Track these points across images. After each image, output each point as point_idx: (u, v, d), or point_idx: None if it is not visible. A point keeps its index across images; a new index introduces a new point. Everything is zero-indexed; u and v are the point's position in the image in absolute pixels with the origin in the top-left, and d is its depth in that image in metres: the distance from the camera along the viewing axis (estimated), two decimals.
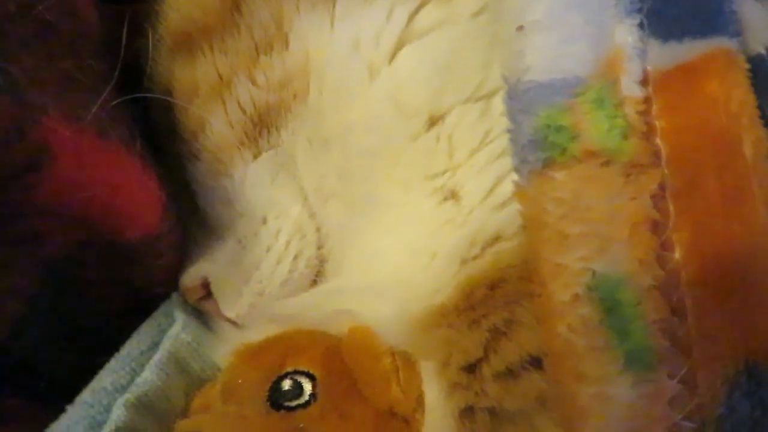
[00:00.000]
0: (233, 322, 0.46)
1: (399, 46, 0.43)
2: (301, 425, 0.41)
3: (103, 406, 0.42)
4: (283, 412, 0.41)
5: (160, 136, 0.47)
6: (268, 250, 0.45)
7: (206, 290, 0.46)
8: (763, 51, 0.40)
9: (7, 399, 0.44)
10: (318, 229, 0.45)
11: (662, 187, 0.35)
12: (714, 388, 0.32)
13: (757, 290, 0.34)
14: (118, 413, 0.41)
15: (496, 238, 0.40)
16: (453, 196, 0.41)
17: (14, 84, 0.38)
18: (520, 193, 0.36)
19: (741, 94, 0.37)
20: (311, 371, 0.42)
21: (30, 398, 0.44)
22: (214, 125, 0.45)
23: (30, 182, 0.38)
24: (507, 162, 0.39)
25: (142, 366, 0.43)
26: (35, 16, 0.40)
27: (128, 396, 0.42)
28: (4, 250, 0.40)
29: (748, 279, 0.34)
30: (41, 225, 0.39)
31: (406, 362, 0.41)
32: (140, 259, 0.43)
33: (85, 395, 0.42)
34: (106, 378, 0.43)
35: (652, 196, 0.35)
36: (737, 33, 0.39)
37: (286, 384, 0.41)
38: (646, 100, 0.37)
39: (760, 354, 0.33)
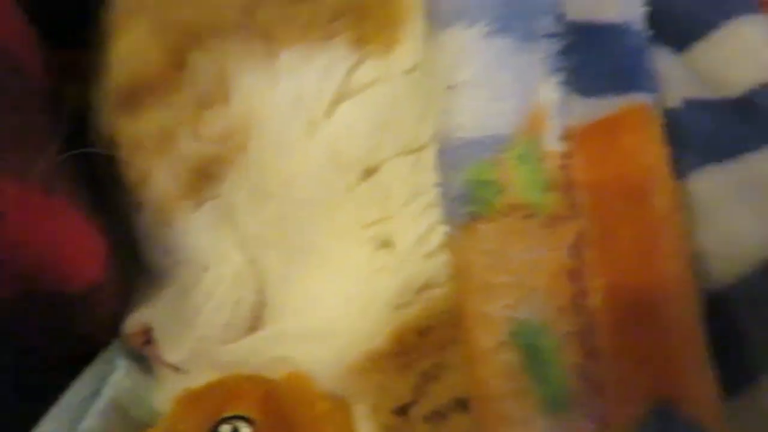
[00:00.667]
0: (175, 368, 0.46)
1: (337, 101, 0.44)
2: None
3: None
4: None
5: (104, 186, 0.47)
6: (209, 297, 0.46)
7: (148, 336, 0.46)
8: (679, 104, 0.42)
9: None
10: (258, 276, 0.46)
11: (580, 237, 0.37)
12: (625, 428, 0.34)
13: (666, 336, 0.36)
14: None
15: (427, 285, 0.42)
16: (387, 244, 0.43)
17: None
18: (449, 243, 0.38)
19: (655, 148, 0.39)
20: (250, 416, 0.42)
21: None
22: (157, 177, 0.46)
23: None
24: (438, 212, 0.41)
25: (84, 414, 0.43)
26: None
27: None
28: None
29: (658, 325, 0.36)
30: None
31: (341, 406, 0.42)
32: (83, 308, 0.44)
33: None
34: (46, 427, 0.43)
35: (571, 247, 0.36)
36: (654, 89, 0.41)
37: (225, 429, 0.41)
38: (568, 155, 0.38)
39: (668, 397, 0.35)
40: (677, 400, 0.35)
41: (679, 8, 0.49)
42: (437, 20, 0.41)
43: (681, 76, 0.45)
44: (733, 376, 0.37)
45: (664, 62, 0.44)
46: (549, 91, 0.39)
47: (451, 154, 0.39)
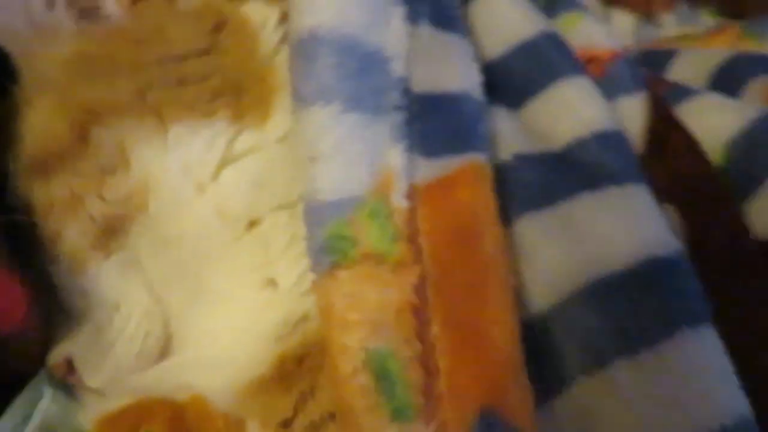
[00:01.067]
0: (96, 392, 0.49)
1: (221, 167, 0.48)
2: None
3: None
4: None
5: (23, 242, 0.49)
6: (121, 332, 0.49)
7: (70, 366, 0.48)
8: (510, 159, 0.48)
9: None
10: (164, 313, 0.49)
11: (422, 278, 0.41)
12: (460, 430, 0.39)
13: (492, 356, 0.41)
14: None
15: (304, 319, 0.46)
16: (271, 283, 0.48)
17: None
18: (315, 287, 0.42)
19: (485, 199, 0.44)
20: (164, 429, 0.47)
21: None
22: (69, 235, 0.49)
23: None
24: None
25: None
26: None
27: None
28: None
29: (485, 347, 0.41)
30: None
31: (236, 423, 0.46)
32: (11, 347, 0.45)
33: None
34: None
35: (415, 287, 0.41)
36: (486, 148, 0.46)
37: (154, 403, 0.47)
38: (412, 210, 0.43)
39: (492, 405, 0.40)
40: (500, 408, 0.40)
41: (516, 70, 0.54)
42: (300, 100, 0.44)
43: (514, 133, 0.49)
44: (549, 384, 0.42)
45: (501, 120, 0.50)
46: (396, 157, 0.44)
47: (314, 214, 0.42)
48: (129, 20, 0.49)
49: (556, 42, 0.54)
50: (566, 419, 0.43)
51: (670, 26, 0.86)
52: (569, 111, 0.51)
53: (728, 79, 0.63)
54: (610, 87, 0.54)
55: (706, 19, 0.86)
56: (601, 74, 0.56)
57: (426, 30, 0.49)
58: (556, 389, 0.43)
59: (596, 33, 0.59)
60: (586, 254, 0.45)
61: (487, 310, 0.42)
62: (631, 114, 0.54)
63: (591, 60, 0.56)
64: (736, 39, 0.79)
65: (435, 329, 0.41)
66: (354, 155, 0.44)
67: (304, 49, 0.45)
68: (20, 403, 0.47)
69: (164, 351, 0.49)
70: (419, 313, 0.41)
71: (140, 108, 0.48)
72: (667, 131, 0.54)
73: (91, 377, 0.48)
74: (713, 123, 0.55)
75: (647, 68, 0.66)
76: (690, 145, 0.53)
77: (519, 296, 0.44)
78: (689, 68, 0.66)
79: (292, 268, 0.46)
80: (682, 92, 0.58)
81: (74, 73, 0.49)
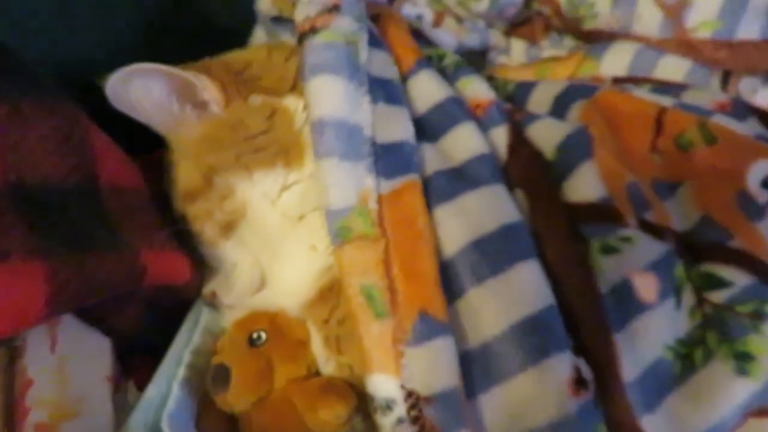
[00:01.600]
0: (229, 307, 0.56)
1: (282, 191, 0.52)
2: (263, 348, 0.51)
3: (176, 360, 0.51)
4: (254, 348, 0.51)
5: (185, 236, 0.55)
6: (239, 276, 0.55)
7: (214, 294, 0.56)
8: (431, 173, 0.51)
9: (134, 359, 0.52)
10: (259, 267, 0.56)
11: (387, 245, 0.46)
12: (409, 324, 0.44)
13: (423, 281, 0.47)
14: (186, 360, 0.50)
15: (330, 268, 0.51)
16: (313, 248, 0.52)
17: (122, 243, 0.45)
18: (334, 253, 0.47)
19: (418, 200, 0.48)
20: (265, 329, 0.52)
21: (145, 356, 0.52)
22: (206, 231, 0.54)
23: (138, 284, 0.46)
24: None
25: (192, 333, 0.53)
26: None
27: (187, 353, 0.51)
28: (126, 306, 0.49)
29: (420, 277, 0.47)
30: (148, 293, 0.49)
31: (302, 322, 0.52)
32: (185, 289, 0.53)
33: (171, 353, 0.51)
34: (177, 342, 0.52)
35: (383, 250, 0.46)
36: (418, 171, 0.50)
37: (255, 335, 0.52)
38: (379, 209, 0.48)
39: (426, 308, 0.45)
40: (430, 310, 0.45)
41: (433, 120, 0.55)
42: (318, 155, 0.48)
43: (433, 158, 0.52)
44: (451, 295, 0.47)
45: (426, 151, 0.52)
46: (369, 181, 0.48)
47: (330, 216, 0.47)
48: (225, 114, 0.53)
49: (456, 101, 0.56)
50: (461, 315, 0.47)
51: (546, 49, 0.83)
52: (463, 143, 0.53)
53: (561, 104, 0.63)
54: (487, 122, 0.56)
55: (569, 42, 0.82)
56: (483, 114, 0.57)
57: (381, 106, 0.52)
58: (456, 297, 0.47)
59: (481, 89, 0.60)
60: (470, 223, 0.48)
61: (421, 258, 0.47)
62: (500, 138, 0.56)
63: (477, 106, 0.58)
64: (581, 61, 0.76)
65: (395, 270, 0.46)
66: (347, 184, 0.48)
67: (317, 127, 0.49)
68: (191, 316, 0.54)
69: (261, 286, 0.56)
70: (386, 263, 0.47)
71: (237, 165, 0.52)
72: (519, 145, 0.56)
73: (226, 300, 0.55)
74: (548, 136, 0.57)
75: (515, 100, 0.66)
76: (532, 152, 0.55)
77: (438, 248, 0.48)
78: (541, 96, 0.66)
79: (323, 241, 0.50)
80: (531, 118, 0.60)
81: (200, 146, 0.54)
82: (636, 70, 0.71)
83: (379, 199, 0.48)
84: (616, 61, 0.72)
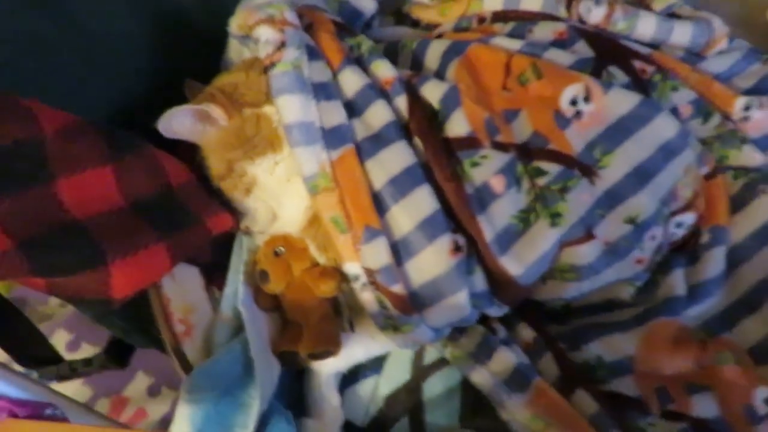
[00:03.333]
0: (257, 234, 0.71)
1: (274, 166, 0.68)
2: (283, 256, 0.68)
3: (236, 269, 0.68)
4: (278, 257, 0.68)
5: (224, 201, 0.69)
6: (258, 216, 0.71)
7: (248, 229, 0.71)
8: (359, 140, 0.68)
9: (213, 274, 0.70)
10: (271, 210, 0.71)
11: (340, 190, 0.65)
12: None
13: (364, 206, 0.66)
14: (241, 269, 0.68)
15: (310, 207, 0.67)
16: (300, 196, 0.68)
17: None
18: (312, 200, 0.65)
19: (354, 161, 0.66)
20: (282, 245, 0.69)
21: (218, 273, 0.69)
22: (235, 196, 0.70)
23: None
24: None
25: (241, 253, 0.70)
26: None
27: (241, 265, 0.68)
28: (204, 249, 0.66)
29: (362, 205, 0.65)
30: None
31: (303, 241, 0.69)
32: (230, 233, 0.69)
33: (232, 266, 0.69)
34: (235, 258, 0.70)
35: (338, 194, 0.64)
36: (352, 140, 0.68)
37: (277, 249, 0.69)
38: (332, 170, 0.65)
39: (368, 223, 0.65)
40: (370, 223, 0.65)
41: (359, 103, 0.71)
42: (292, 144, 0.65)
43: (361, 129, 0.69)
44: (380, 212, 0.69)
45: (356, 124, 0.69)
46: (323, 155, 0.65)
47: (306, 180, 0.65)
48: (229, 125, 0.68)
49: (371, 86, 0.71)
50: (389, 223, 0.65)
51: None
52: (378, 115, 0.70)
53: (445, 60, 0.78)
54: (393, 93, 0.72)
55: None
56: (390, 88, 0.73)
57: (323, 103, 0.67)
58: (384, 213, 0.65)
59: (388, 69, 0.74)
60: (386, 169, 0.67)
61: (361, 195, 0.65)
62: (401, 104, 0.71)
63: (386, 82, 0.73)
64: (470, 1, 0.92)
65: (347, 205, 0.64)
66: (311, 159, 0.65)
67: (287, 129, 0.65)
68: (237, 243, 0.71)
69: (273, 220, 0.71)
70: (342, 202, 0.65)
71: (244, 157, 0.68)
72: (414, 105, 0.71)
73: (255, 229, 0.71)
74: (433, 93, 0.73)
75: (417, 55, 0.82)
76: (424, 108, 0.71)
77: (370, 186, 0.65)
78: (433, 52, 0.80)
79: (304, 192, 0.67)
80: (423, 79, 0.74)
81: (218, 147, 0.69)
82: (508, 4, 0.91)
83: (332, 164, 0.66)
84: None
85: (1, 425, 0.48)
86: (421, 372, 0.74)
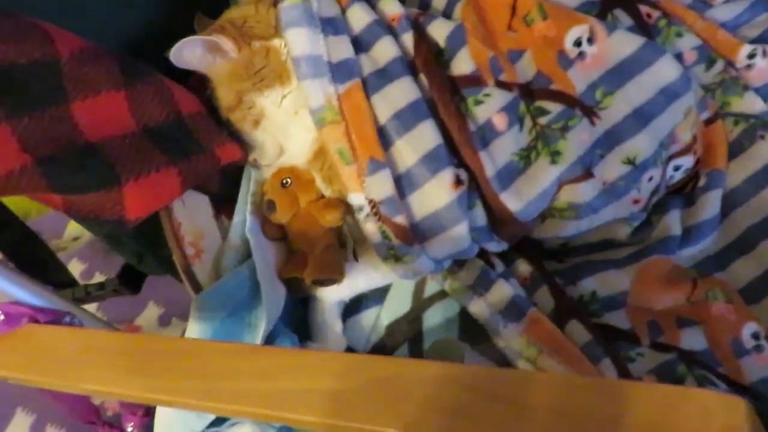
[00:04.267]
0: (265, 167, 0.75)
1: (282, 98, 0.71)
2: (290, 187, 0.72)
3: (244, 200, 0.72)
4: (285, 188, 0.72)
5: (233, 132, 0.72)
6: (265, 146, 0.74)
7: (255, 161, 0.74)
8: (366, 75, 0.70)
9: (221, 204, 0.74)
10: (278, 143, 0.74)
11: (346, 123, 0.67)
12: None
13: (369, 139, 0.68)
14: (249, 200, 0.72)
15: (317, 139, 0.70)
16: (307, 129, 0.71)
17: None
18: (320, 132, 0.67)
19: (360, 94, 0.68)
20: (289, 177, 0.72)
21: (226, 203, 0.74)
22: (244, 126, 0.72)
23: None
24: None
25: (248, 184, 0.73)
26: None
27: (249, 196, 0.72)
28: (212, 178, 0.70)
29: (367, 137, 0.68)
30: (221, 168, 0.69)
31: (309, 171, 0.72)
32: (239, 164, 0.72)
33: (240, 196, 0.72)
34: (243, 190, 0.73)
35: (344, 126, 0.67)
36: (359, 74, 0.69)
37: (284, 180, 0.72)
38: (339, 103, 0.67)
39: (372, 155, 0.69)
40: (374, 155, 0.68)
41: (364, 39, 0.73)
42: (300, 76, 0.67)
43: (367, 64, 0.71)
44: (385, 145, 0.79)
45: (363, 59, 0.71)
46: (331, 89, 0.67)
47: (312, 112, 0.67)
48: (239, 57, 0.71)
49: (378, 22, 0.73)
50: (393, 156, 0.67)
51: None
52: (384, 51, 0.71)
53: (451, 2, 0.80)
54: (400, 30, 0.74)
55: None
56: (397, 24, 0.74)
57: (331, 38, 0.69)
58: (389, 146, 0.67)
59: (395, 6, 0.76)
60: (391, 103, 0.69)
61: (366, 128, 0.67)
62: (408, 41, 0.74)
63: (393, 19, 0.75)
64: None
65: (353, 137, 0.67)
66: (318, 92, 0.67)
67: (295, 62, 0.67)
68: (245, 175, 0.75)
69: (281, 153, 0.74)
70: (347, 134, 0.67)
71: (253, 89, 0.70)
72: (420, 42, 0.73)
73: (263, 161, 0.75)
74: (440, 32, 0.75)
75: (422, 3, 0.83)
76: (429, 45, 0.73)
77: (375, 119, 0.67)
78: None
79: (311, 124, 0.69)
80: (430, 18, 0.75)
81: (228, 79, 0.71)
82: None
83: (338, 98, 0.68)
84: None
85: (24, 329, 0.51)
86: (421, 303, 0.75)
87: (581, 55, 0.74)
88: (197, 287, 0.62)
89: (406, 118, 0.69)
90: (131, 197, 0.59)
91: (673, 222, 0.73)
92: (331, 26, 0.71)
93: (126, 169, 0.58)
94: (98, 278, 1.03)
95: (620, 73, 0.72)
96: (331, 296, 0.75)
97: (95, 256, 1.05)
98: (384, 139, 0.69)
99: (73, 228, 1.09)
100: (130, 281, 0.75)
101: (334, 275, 0.68)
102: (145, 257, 0.72)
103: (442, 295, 0.75)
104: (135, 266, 0.75)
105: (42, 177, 0.52)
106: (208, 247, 0.70)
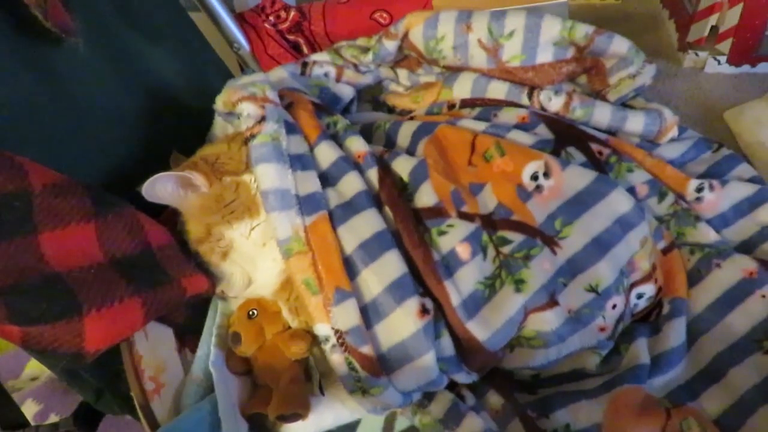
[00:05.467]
0: (233, 298, 0.75)
1: (251, 230, 0.71)
2: (256, 319, 0.72)
3: (209, 332, 0.71)
4: (251, 320, 0.72)
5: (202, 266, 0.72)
6: (234, 281, 0.74)
7: (223, 293, 0.74)
8: (333, 207, 0.71)
9: (186, 337, 0.71)
10: (246, 275, 0.74)
11: (312, 254, 0.68)
12: None
13: (334, 269, 0.70)
14: (214, 332, 0.71)
15: (284, 270, 0.70)
16: (274, 260, 0.71)
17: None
18: (286, 264, 0.67)
19: (326, 226, 0.69)
20: (256, 308, 0.72)
21: (191, 335, 0.72)
22: (212, 260, 0.72)
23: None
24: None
25: (215, 316, 0.74)
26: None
27: (214, 328, 0.71)
28: (178, 309, 0.70)
29: (334, 269, 0.69)
30: (188, 301, 0.69)
31: (275, 304, 0.72)
32: (207, 294, 0.72)
33: (205, 329, 0.72)
34: (209, 322, 0.73)
35: (311, 258, 0.68)
36: (325, 208, 0.70)
37: (250, 312, 0.73)
38: (306, 235, 0.68)
39: (338, 285, 0.68)
40: (340, 285, 0.69)
41: (332, 174, 0.75)
42: (268, 209, 0.67)
43: (334, 197, 0.72)
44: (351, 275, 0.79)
45: (330, 193, 0.73)
46: (298, 220, 0.68)
47: (280, 244, 0.67)
48: (210, 191, 0.72)
49: (344, 159, 0.76)
50: (359, 286, 0.69)
51: (422, 75, 1.04)
52: (350, 185, 0.73)
53: (415, 139, 0.84)
54: (365, 166, 0.77)
55: (437, 69, 1.02)
56: (363, 161, 0.78)
57: (299, 173, 0.71)
58: (355, 276, 0.69)
59: (361, 144, 0.80)
60: (357, 234, 0.69)
61: (332, 258, 0.68)
62: (373, 176, 0.76)
63: (359, 156, 0.78)
64: (441, 89, 0.99)
65: (319, 267, 0.67)
66: (285, 224, 0.68)
67: (264, 195, 0.68)
68: (212, 307, 0.75)
69: (248, 284, 0.74)
70: (314, 265, 0.67)
71: (222, 221, 0.71)
72: (385, 177, 0.76)
73: (231, 294, 0.75)
74: (404, 167, 0.78)
75: (390, 134, 0.88)
76: (394, 180, 0.76)
77: (341, 250, 0.68)
78: (405, 132, 0.86)
79: (278, 256, 0.69)
80: (394, 155, 0.79)
81: (198, 212, 0.72)
82: (475, 92, 0.98)
83: (305, 229, 0.69)
84: (462, 88, 0.99)
85: None
86: None
87: (538, 188, 0.77)
88: (154, 425, 0.59)
89: (372, 248, 0.69)
90: (92, 328, 0.58)
91: (641, 350, 0.73)
92: (300, 162, 0.73)
93: (89, 299, 0.58)
94: (54, 419, 0.97)
95: (577, 205, 0.75)
96: None
97: (52, 396, 1.00)
98: (350, 269, 0.69)
99: (32, 368, 1.05)
100: (85, 421, 0.71)
101: (299, 409, 0.65)
102: (103, 395, 0.69)
103: (412, 430, 0.72)
104: (92, 405, 0.71)
105: (2, 307, 0.53)
106: (170, 381, 0.68)
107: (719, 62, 1.15)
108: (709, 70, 1.16)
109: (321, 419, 0.73)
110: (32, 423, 0.85)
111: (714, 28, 1.12)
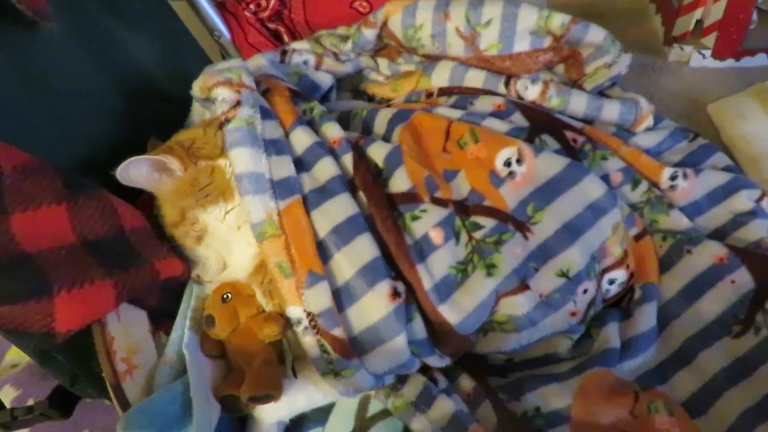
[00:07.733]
0: (208, 282, 0.75)
1: (225, 214, 0.71)
2: (230, 302, 0.72)
3: (183, 315, 0.71)
4: (225, 303, 0.72)
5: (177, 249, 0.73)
6: (209, 265, 0.75)
7: (198, 277, 0.75)
8: (307, 192, 0.71)
9: (160, 319, 0.72)
10: (222, 258, 0.75)
11: (286, 237, 0.68)
12: None
13: (308, 253, 0.71)
14: (189, 315, 0.71)
15: (258, 254, 0.70)
16: (248, 244, 0.71)
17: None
18: (260, 247, 0.67)
19: (300, 210, 0.69)
20: (230, 291, 0.72)
21: (166, 317, 0.72)
22: (187, 243, 0.73)
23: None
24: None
25: (189, 300, 0.73)
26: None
27: (189, 311, 0.71)
28: (152, 292, 0.70)
29: (305, 251, 0.69)
30: (162, 284, 0.69)
31: (249, 287, 0.72)
32: (182, 278, 0.73)
33: (180, 312, 0.72)
34: (183, 305, 0.73)
35: (284, 240, 0.67)
36: (299, 191, 0.70)
37: (225, 295, 0.72)
38: (279, 218, 0.68)
39: (311, 268, 0.69)
40: (313, 268, 0.70)
41: (307, 159, 0.76)
42: (242, 193, 0.68)
43: (308, 182, 0.73)
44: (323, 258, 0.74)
45: (304, 178, 0.73)
46: (272, 204, 0.68)
47: (252, 227, 0.68)
48: (185, 175, 0.72)
49: (319, 144, 0.76)
50: (332, 269, 0.69)
51: (402, 64, 1.04)
52: (324, 170, 0.74)
53: (391, 125, 0.84)
54: (340, 152, 0.77)
55: (417, 58, 1.02)
56: (338, 147, 0.78)
57: (274, 157, 0.71)
58: (328, 260, 0.70)
59: (336, 130, 0.79)
60: (330, 218, 0.70)
61: (305, 242, 0.68)
62: (348, 161, 0.76)
63: (334, 141, 0.79)
64: (419, 78, 0.99)
65: (292, 251, 0.67)
66: (259, 208, 0.68)
67: (238, 179, 0.69)
68: (187, 290, 0.75)
69: (223, 268, 0.75)
70: (287, 248, 0.68)
71: (197, 205, 0.71)
72: (360, 162, 0.76)
73: (205, 278, 0.75)
74: (378, 153, 0.78)
75: (367, 121, 0.88)
76: (368, 166, 0.76)
77: (314, 234, 0.68)
78: (381, 119, 0.86)
79: (252, 239, 0.69)
80: (369, 141, 0.80)
81: (173, 196, 0.72)
82: (453, 81, 0.99)
83: (279, 213, 0.69)
84: (440, 76, 0.99)
85: None
86: (364, 423, 0.73)
87: (511, 174, 0.78)
88: (125, 405, 0.60)
89: (345, 232, 0.70)
90: (63, 308, 0.58)
91: (612, 334, 0.73)
92: (274, 147, 0.73)
93: (59, 279, 0.58)
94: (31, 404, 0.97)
95: (549, 191, 0.76)
96: (270, 415, 0.72)
97: (30, 381, 1.00)
98: (323, 252, 0.69)
99: (13, 355, 1.05)
100: (60, 404, 0.71)
101: (271, 391, 0.66)
102: (78, 378, 0.69)
103: (385, 413, 0.73)
104: (67, 388, 0.71)
105: None
106: (143, 363, 0.68)
107: (704, 56, 1.16)
108: (694, 64, 1.17)
109: (293, 401, 0.74)
110: (10, 406, 0.86)
111: (699, 22, 1.13)
